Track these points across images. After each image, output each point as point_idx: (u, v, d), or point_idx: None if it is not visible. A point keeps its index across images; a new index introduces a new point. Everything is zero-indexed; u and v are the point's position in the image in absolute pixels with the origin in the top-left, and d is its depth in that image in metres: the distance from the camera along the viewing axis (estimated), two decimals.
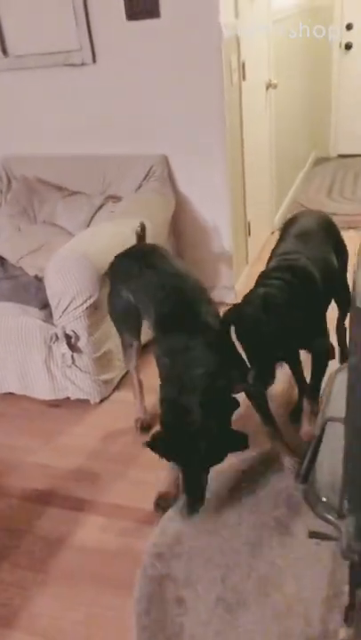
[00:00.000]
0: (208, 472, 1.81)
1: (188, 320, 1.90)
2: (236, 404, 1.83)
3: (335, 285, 2.18)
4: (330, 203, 4.57)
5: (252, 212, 3.45)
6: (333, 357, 2.22)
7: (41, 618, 1.68)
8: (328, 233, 2.22)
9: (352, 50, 5.48)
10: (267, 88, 3.62)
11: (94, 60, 2.88)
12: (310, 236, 2.15)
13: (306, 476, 1.16)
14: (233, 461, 2.12)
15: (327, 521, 1.22)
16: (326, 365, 2.03)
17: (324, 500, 1.26)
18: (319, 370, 2.04)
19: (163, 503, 1.99)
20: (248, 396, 2.04)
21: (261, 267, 3.53)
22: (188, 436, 1.73)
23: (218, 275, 3.22)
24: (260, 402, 2.04)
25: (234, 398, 1.84)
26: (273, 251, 2.22)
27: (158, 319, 1.98)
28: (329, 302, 2.21)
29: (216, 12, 2.61)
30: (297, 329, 1.84)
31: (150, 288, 2.04)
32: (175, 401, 1.77)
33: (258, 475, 2.07)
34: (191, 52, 2.73)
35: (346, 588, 1.30)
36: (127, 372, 2.67)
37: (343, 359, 2.42)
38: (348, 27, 5.41)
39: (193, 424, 1.72)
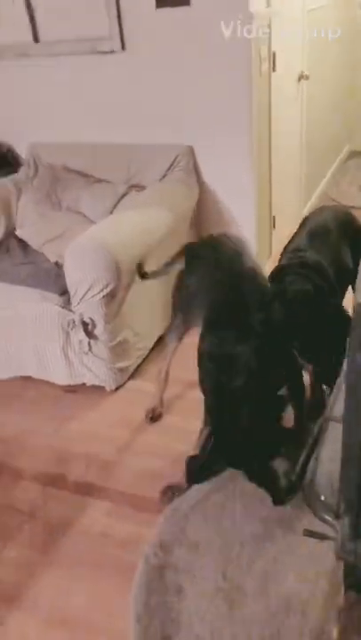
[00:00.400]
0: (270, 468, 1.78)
1: (238, 321, 1.86)
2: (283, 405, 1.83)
3: (348, 283, 2.14)
4: None
5: (279, 205, 3.41)
6: None
7: (43, 599, 1.71)
8: (346, 229, 2.19)
9: None
10: (299, 80, 3.56)
11: (123, 48, 2.88)
12: (325, 233, 2.12)
13: (301, 474, 1.15)
14: None
15: (324, 521, 1.21)
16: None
17: (322, 499, 1.25)
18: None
19: (169, 494, 2.00)
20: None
21: None
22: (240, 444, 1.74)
23: None
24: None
25: (280, 397, 1.83)
26: (285, 247, 2.19)
27: (208, 315, 1.94)
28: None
29: (246, 0, 2.58)
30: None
31: (210, 281, 2.02)
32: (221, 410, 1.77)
33: None
34: (220, 41, 2.70)
35: (342, 588, 1.29)
36: (143, 361, 2.70)
37: None
38: None
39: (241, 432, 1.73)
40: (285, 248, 2.18)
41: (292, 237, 2.21)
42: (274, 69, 3.02)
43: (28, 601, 1.71)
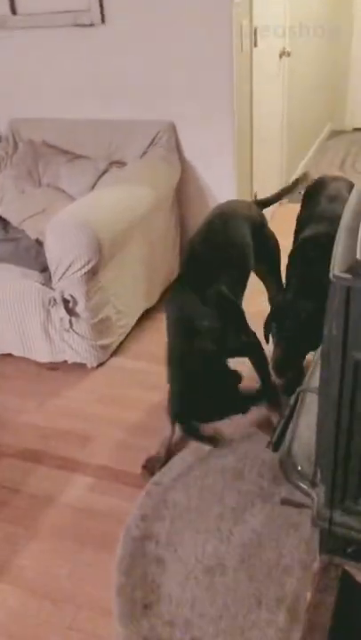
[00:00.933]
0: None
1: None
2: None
3: None
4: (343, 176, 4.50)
5: (260, 182, 3.41)
6: None
7: (27, 571, 1.73)
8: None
9: None
10: (280, 56, 3.55)
11: (103, 21, 2.84)
12: (341, 200, 2.18)
13: (277, 443, 1.18)
14: (221, 430, 2.15)
15: (300, 489, 1.24)
16: None
17: (299, 468, 1.28)
18: None
19: (150, 466, 2.03)
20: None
21: None
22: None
23: None
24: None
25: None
26: (305, 213, 2.30)
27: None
28: None
29: None
30: None
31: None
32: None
33: (245, 444, 2.09)
34: (202, 16, 2.67)
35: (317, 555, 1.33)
36: (125, 338, 2.71)
37: None
38: None
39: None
40: (308, 213, 2.28)
41: (309, 204, 2.31)
42: (255, 45, 3.01)
43: (12, 574, 1.72)
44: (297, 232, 2.36)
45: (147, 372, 2.53)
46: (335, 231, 1.96)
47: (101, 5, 2.80)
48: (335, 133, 5.63)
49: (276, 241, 2.33)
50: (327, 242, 1.88)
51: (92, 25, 2.86)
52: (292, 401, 1.19)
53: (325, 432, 1.12)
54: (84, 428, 2.25)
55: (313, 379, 1.50)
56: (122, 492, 1.96)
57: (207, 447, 2.06)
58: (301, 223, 2.33)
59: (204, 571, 1.67)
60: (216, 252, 2.04)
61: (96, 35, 2.88)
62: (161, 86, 2.89)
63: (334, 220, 2.03)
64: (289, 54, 3.59)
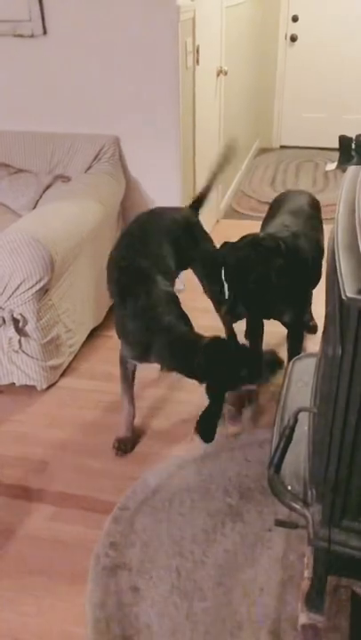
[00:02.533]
0: None
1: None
2: None
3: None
4: (273, 193, 4.61)
5: None
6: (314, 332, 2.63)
7: None
8: (316, 211, 2.37)
9: (297, 42, 5.55)
10: (218, 74, 3.60)
11: (45, 32, 2.77)
12: (302, 214, 2.26)
13: (279, 464, 1.16)
14: (184, 449, 2.12)
15: (293, 509, 1.23)
16: (301, 340, 2.23)
17: (289, 488, 1.27)
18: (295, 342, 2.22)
19: (123, 447, 2.12)
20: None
21: None
22: None
23: None
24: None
25: None
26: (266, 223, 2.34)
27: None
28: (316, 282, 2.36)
29: None
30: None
31: None
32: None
33: (209, 462, 2.07)
34: (147, 32, 2.67)
35: (306, 574, 1.32)
36: (74, 358, 2.63)
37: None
38: (294, 18, 5.48)
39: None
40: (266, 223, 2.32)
41: (270, 217, 2.34)
42: (198, 63, 3.03)
43: None
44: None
45: (99, 391, 2.46)
46: (288, 238, 2.05)
47: (43, 16, 2.73)
48: (263, 150, 5.79)
49: (211, 240, 2.34)
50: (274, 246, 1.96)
51: (32, 36, 2.78)
52: (291, 422, 1.18)
53: (324, 452, 1.12)
54: (39, 453, 2.15)
55: (291, 397, 1.51)
56: (86, 519, 1.88)
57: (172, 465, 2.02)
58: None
59: (181, 596, 1.62)
60: (135, 263, 2.01)
61: (37, 46, 2.80)
62: (105, 100, 2.85)
63: (292, 231, 2.11)
64: (226, 73, 3.65)
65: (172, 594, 1.63)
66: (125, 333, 1.96)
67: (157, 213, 2.27)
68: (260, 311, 2.16)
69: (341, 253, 1.04)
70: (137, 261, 1.99)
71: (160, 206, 2.41)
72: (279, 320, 2.20)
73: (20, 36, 2.79)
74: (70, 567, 1.72)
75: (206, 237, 2.34)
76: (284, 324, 2.22)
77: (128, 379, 2.12)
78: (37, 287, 2.23)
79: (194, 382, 1.84)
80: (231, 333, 2.44)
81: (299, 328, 2.24)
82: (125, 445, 2.14)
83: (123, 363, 2.08)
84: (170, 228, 2.16)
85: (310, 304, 2.46)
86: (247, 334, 2.43)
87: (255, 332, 2.40)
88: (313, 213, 2.35)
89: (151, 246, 2.05)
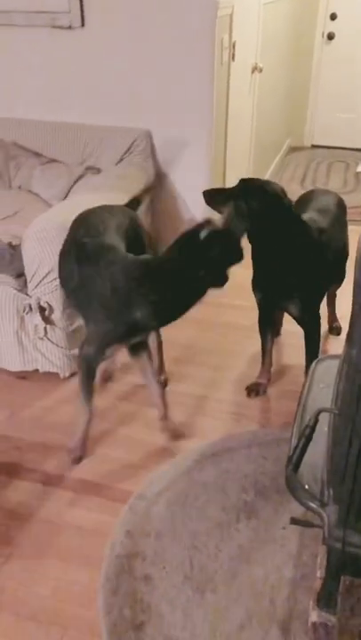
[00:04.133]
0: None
1: None
2: None
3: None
4: (302, 192, 4.58)
5: None
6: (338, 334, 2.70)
7: (8, 592, 1.66)
8: (342, 211, 2.39)
9: (334, 40, 5.50)
10: (252, 71, 3.60)
11: (83, 24, 2.80)
12: (328, 213, 2.28)
13: (297, 463, 1.18)
14: (203, 443, 2.14)
15: (309, 508, 1.24)
16: (316, 340, 2.24)
17: (306, 487, 1.28)
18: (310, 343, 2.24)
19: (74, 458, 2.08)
20: None
21: None
22: None
23: None
24: None
25: None
26: None
27: None
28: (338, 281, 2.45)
29: None
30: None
31: None
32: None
33: (226, 458, 2.09)
34: (184, 27, 2.68)
35: (318, 573, 1.33)
36: None
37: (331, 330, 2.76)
38: (332, 16, 5.43)
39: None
40: None
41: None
42: (233, 59, 3.03)
43: None
44: None
45: (119, 381, 2.49)
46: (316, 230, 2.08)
47: (82, 8, 2.76)
48: (294, 149, 5.76)
49: (149, 237, 2.33)
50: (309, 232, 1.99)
51: (70, 27, 2.81)
52: (311, 421, 1.20)
53: (342, 452, 1.13)
54: (59, 439, 2.19)
55: (313, 397, 1.51)
56: (104, 507, 1.91)
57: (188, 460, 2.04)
58: None
59: (193, 588, 1.64)
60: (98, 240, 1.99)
61: (75, 38, 2.83)
62: (139, 93, 2.87)
63: (319, 227, 2.12)
64: (261, 70, 3.64)
65: (184, 585, 1.66)
66: (104, 307, 1.86)
67: (106, 207, 2.20)
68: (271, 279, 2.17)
69: None
70: (99, 238, 1.96)
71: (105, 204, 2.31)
72: (288, 311, 2.23)
73: (59, 27, 2.82)
74: (86, 553, 1.76)
75: (145, 234, 2.30)
76: (294, 318, 2.22)
77: (93, 377, 2.02)
78: None
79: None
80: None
81: (312, 326, 2.23)
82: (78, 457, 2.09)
83: (88, 359, 1.95)
84: (121, 220, 2.12)
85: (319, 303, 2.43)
86: (260, 322, 2.38)
87: (267, 320, 2.38)
88: (339, 213, 2.36)
89: (109, 231, 2.01)
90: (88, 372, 1.99)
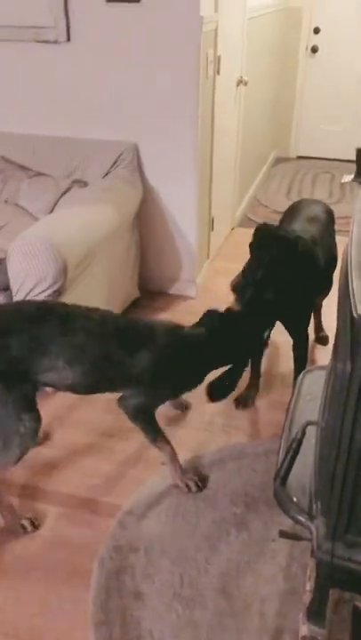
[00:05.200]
0: None
1: None
2: None
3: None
4: (289, 203, 4.60)
5: (216, 207, 3.46)
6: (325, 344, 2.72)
7: None
8: (331, 220, 2.42)
9: (318, 53, 5.57)
10: (237, 84, 3.63)
11: (68, 39, 2.81)
12: (318, 222, 2.30)
13: (285, 477, 1.18)
14: (191, 456, 2.14)
15: (298, 522, 1.24)
16: (305, 349, 2.27)
17: (294, 500, 1.28)
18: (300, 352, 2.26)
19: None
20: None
21: (222, 262, 3.58)
22: None
23: (180, 268, 3.21)
24: None
25: None
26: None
27: None
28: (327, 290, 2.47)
29: (197, 4, 2.59)
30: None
31: None
32: None
33: (215, 471, 2.08)
34: (169, 42, 2.70)
35: (308, 586, 1.33)
36: None
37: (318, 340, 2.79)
38: (316, 30, 5.49)
39: None
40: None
41: (287, 222, 2.37)
42: (218, 72, 3.06)
43: None
44: None
45: (109, 394, 2.48)
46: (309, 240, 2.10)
47: (68, 23, 2.77)
48: (280, 161, 5.80)
49: None
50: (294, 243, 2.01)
51: (56, 42, 2.82)
52: (298, 435, 1.20)
53: (330, 466, 1.13)
54: (49, 454, 2.18)
55: (300, 410, 1.52)
56: (92, 522, 1.90)
57: None
58: None
59: (183, 604, 1.63)
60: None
61: (61, 52, 2.84)
62: (125, 107, 2.88)
63: (310, 237, 2.14)
64: (246, 83, 3.68)
65: (174, 600, 1.65)
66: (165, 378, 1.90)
67: None
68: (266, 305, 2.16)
69: (354, 272, 1.05)
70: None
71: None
72: (282, 322, 2.23)
73: (45, 41, 2.83)
74: (75, 569, 1.74)
75: None
76: (287, 328, 2.23)
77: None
78: (51, 290, 2.25)
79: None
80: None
81: (300, 337, 2.25)
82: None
83: (153, 415, 1.94)
84: None
85: (311, 313, 2.45)
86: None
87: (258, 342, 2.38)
88: (328, 222, 2.38)
89: None
90: (156, 423, 1.96)
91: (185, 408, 2.40)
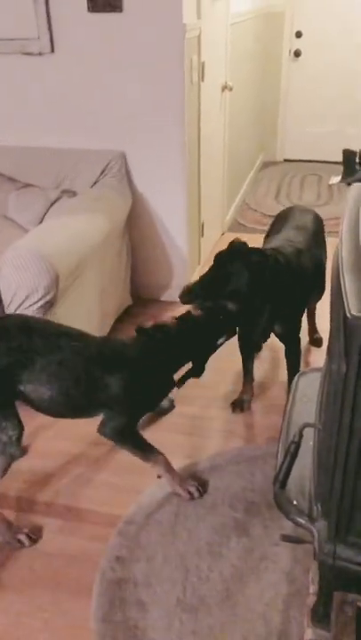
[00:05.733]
0: None
1: None
2: None
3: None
4: (278, 206, 4.64)
5: (206, 212, 3.46)
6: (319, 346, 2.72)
7: None
8: (320, 229, 2.42)
9: (301, 57, 5.61)
10: (222, 90, 3.64)
11: (53, 50, 2.81)
12: (306, 231, 2.31)
13: (284, 480, 1.17)
14: (189, 462, 2.13)
15: (298, 524, 1.24)
16: (298, 354, 2.28)
17: (294, 503, 1.28)
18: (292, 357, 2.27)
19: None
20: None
21: None
22: None
23: (171, 274, 3.22)
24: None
25: None
26: (270, 237, 2.38)
27: None
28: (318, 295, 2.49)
29: (180, 11, 2.60)
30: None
31: None
32: None
33: (214, 476, 2.08)
34: (152, 49, 2.70)
35: (311, 589, 1.33)
36: None
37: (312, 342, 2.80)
38: (298, 34, 5.53)
39: None
40: (272, 237, 2.37)
41: (276, 231, 2.38)
42: (203, 79, 3.07)
43: None
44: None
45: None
46: (292, 253, 2.10)
47: (51, 35, 2.78)
48: (267, 164, 5.83)
49: None
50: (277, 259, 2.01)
51: (40, 54, 2.82)
52: (296, 437, 1.20)
53: (329, 468, 1.13)
54: (44, 465, 2.16)
55: (297, 412, 1.52)
56: (92, 533, 1.88)
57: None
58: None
59: (187, 611, 1.62)
60: None
61: (45, 64, 2.84)
62: (112, 116, 2.89)
63: (297, 247, 2.15)
64: (231, 88, 3.69)
65: (177, 608, 1.64)
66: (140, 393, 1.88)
67: None
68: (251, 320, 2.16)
69: (346, 273, 1.06)
70: None
71: None
72: (274, 332, 2.22)
73: (29, 53, 2.83)
74: (76, 581, 1.73)
75: None
76: (278, 336, 2.23)
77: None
78: (43, 301, 2.24)
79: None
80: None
81: (292, 341, 2.25)
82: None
83: (136, 433, 1.92)
84: None
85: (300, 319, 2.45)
86: (241, 349, 2.40)
87: (247, 339, 2.38)
88: (317, 231, 2.38)
89: None
90: (142, 439, 1.93)
91: (169, 409, 2.41)
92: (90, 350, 1.83)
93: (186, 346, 1.91)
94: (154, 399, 1.98)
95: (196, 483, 2.00)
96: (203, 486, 2.01)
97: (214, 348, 2.01)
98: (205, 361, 1.99)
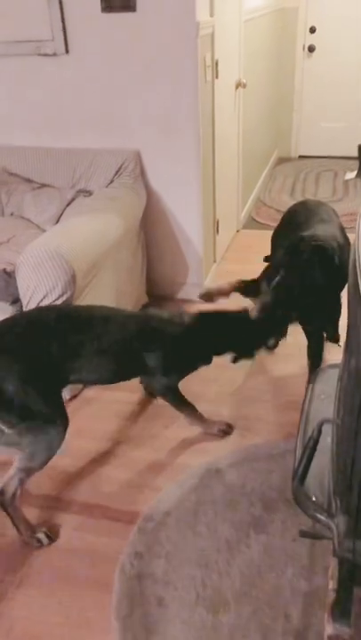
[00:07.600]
0: None
1: None
2: None
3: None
4: (293, 203, 4.61)
5: (221, 210, 3.46)
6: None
7: (20, 622, 1.64)
8: (340, 220, 2.39)
9: (315, 53, 5.57)
10: (236, 87, 3.64)
11: (67, 51, 2.83)
12: (333, 224, 2.28)
13: (303, 476, 1.17)
14: (207, 460, 2.14)
15: (317, 520, 1.24)
16: (322, 348, 2.30)
17: (313, 499, 1.28)
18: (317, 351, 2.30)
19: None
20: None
21: (228, 265, 3.60)
22: None
23: (187, 272, 3.22)
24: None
25: None
26: (289, 231, 2.34)
27: None
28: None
29: (193, 9, 2.60)
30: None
31: None
32: None
33: (232, 473, 2.08)
34: (166, 48, 2.71)
35: (331, 585, 1.33)
36: None
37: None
38: (312, 30, 5.50)
39: None
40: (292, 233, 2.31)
41: (297, 226, 2.32)
42: (217, 76, 3.07)
43: (3, 627, 1.63)
44: (273, 254, 2.41)
45: (123, 401, 2.49)
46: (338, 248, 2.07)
47: (65, 35, 2.79)
48: (282, 160, 5.81)
49: None
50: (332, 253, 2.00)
51: (55, 55, 2.84)
52: (314, 433, 1.20)
53: (347, 463, 1.13)
54: (65, 463, 2.18)
55: (315, 408, 1.52)
56: (112, 530, 1.90)
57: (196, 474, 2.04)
58: (284, 244, 2.33)
59: (207, 608, 1.63)
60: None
61: (60, 64, 2.86)
62: (126, 115, 2.90)
63: (338, 243, 2.12)
64: (245, 85, 3.69)
65: (197, 604, 1.64)
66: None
67: None
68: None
69: None
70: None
71: None
72: (304, 326, 2.21)
73: (44, 54, 2.85)
74: (96, 577, 1.75)
75: None
76: (306, 331, 2.22)
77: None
78: (60, 300, 2.27)
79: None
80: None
81: (318, 337, 2.24)
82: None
83: (177, 389, 2.17)
84: None
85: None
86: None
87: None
88: (340, 223, 2.35)
89: None
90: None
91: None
92: (130, 329, 2.03)
93: (230, 342, 2.17)
94: (195, 366, 2.19)
95: (224, 422, 2.28)
96: (228, 426, 2.28)
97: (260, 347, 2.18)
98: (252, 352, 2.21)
